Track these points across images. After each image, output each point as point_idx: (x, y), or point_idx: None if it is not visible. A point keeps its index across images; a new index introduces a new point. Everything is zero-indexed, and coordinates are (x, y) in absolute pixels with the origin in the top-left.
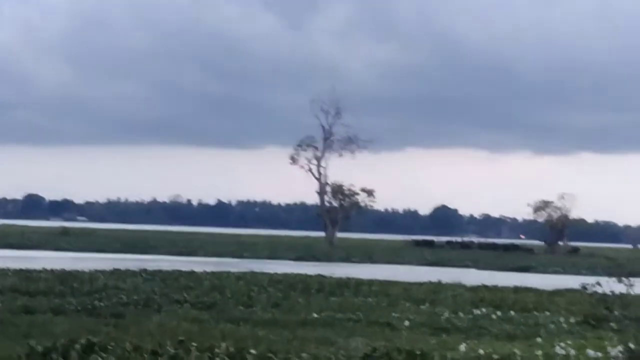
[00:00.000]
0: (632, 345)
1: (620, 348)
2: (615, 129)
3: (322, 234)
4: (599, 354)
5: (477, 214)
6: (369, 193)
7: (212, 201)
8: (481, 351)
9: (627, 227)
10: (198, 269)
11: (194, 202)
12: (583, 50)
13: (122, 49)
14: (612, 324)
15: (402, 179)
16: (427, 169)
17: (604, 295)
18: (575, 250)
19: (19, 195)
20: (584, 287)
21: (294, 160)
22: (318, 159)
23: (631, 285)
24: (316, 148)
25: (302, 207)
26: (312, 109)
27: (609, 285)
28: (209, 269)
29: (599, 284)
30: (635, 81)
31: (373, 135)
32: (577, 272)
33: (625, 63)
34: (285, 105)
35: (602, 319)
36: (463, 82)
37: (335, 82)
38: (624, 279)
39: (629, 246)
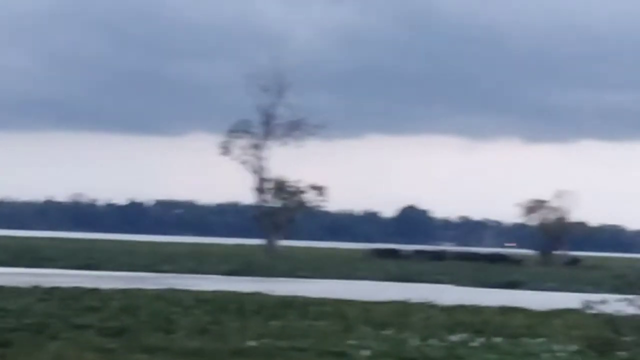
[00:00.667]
0: None
1: None
2: (623, 111)
3: (261, 241)
4: None
5: (453, 216)
6: (320, 191)
7: (122, 201)
8: None
9: (638, 233)
10: (105, 285)
11: (100, 202)
12: (583, 13)
13: (8, 12)
14: (622, 353)
15: (361, 174)
16: (392, 160)
17: (612, 316)
18: (576, 261)
19: None
20: (587, 306)
21: (225, 150)
22: (256, 149)
23: None
24: (253, 135)
25: (235, 209)
26: (248, 86)
27: (618, 304)
28: (118, 285)
29: (605, 302)
30: None
31: (325, 119)
32: (578, 289)
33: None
34: (214, 81)
35: (609, 345)
36: (436, 53)
37: (278, 53)
38: (636, 297)
39: None
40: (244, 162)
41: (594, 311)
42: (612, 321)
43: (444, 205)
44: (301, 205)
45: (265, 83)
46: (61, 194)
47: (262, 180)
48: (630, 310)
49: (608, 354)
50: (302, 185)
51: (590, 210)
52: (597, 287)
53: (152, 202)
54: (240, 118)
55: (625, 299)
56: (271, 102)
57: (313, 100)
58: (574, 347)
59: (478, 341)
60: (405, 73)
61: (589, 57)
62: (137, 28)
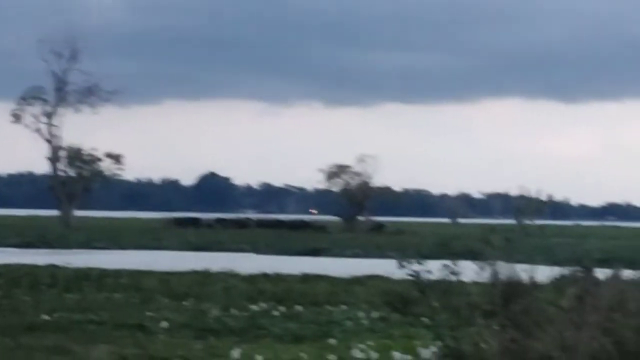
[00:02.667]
0: (448, 344)
1: (433, 348)
2: (424, 73)
3: (55, 212)
4: (408, 357)
5: (255, 183)
6: (116, 159)
7: None
8: (259, 357)
9: (444, 197)
10: None
11: None
12: None
13: None
14: (425, 319)
15: (159, 141)
16: (191, 127)
17: (416, 279)
18: (380, 227)
19: None
20: (401, 265)
21: (16, 117)
22: (49, 116)
23: (457, 271)
24: (46, 101)
25: (28, 179)
26: (39, 50)
27: (425, 269)
28: None
29: (418, 262)
30: (450, 14)
31: (120, 85)
32: (382, 255)
33: None
34: (3, 46)
35: (411, 307)
36: (234, 17)
37: (70, 15)
38: (447, 262)
39: (447, 220)
40: (36, 130)
41: (398, 276)
42: (417, 284)
43: (245, 172)
44: (97, 174)
45: (57, 48)
46: None
47: (56, 148)
48: (435, 275)
49: (410, 320)
50: (97, 153)
51: (394, 175)
52: (402, 253)
53: None
54: (32, 84)
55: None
56: (64, 67)
57: (108, 65)
58: (376, 315)
59: (280, 310)
60: (203, 38)
61: (389, 19)
62: None
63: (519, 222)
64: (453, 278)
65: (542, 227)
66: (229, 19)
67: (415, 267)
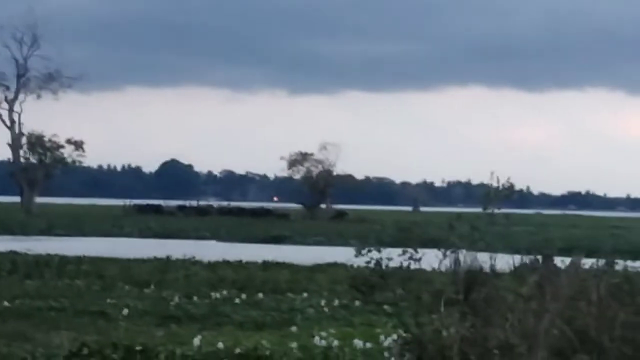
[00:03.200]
0: (410, 331)
1: (395, 336)
2: (388, 61)
3: (16, 199)
4: (369, 345)
5: (217, 170)
6: (78, 145)
7: None
8: (220, 344)
9: (406, 185)
10: None
11: None
12: None
13: None
14: (386, 307)
15: (121, 127)
16: (153, 114)
17: (378, 266)
18: (342, 214)
19: None
20: (359, 252)
21: None
22: (10, 102)
23: (417, 257)
24: (7, 88)
25: None
26: (0, 36)
27: (387, 257)
28: None
29: (377, 249)
30: (414, 2)
31: (82, 71)
32: (344, 243)
33: None
34: None
35: (374, 292)
36: (196, 3)
37: (31, 1)
38: (409, 249)
39: (409, 208)
40: None
41: (364, 259)
42: (378, 271)
43: (207, 159)
44: (59, 160)
45: (18, 34)
46: None
47: (17, 135)
48: (395, 262)
49: (372, 308)
50: (59, 140)
51: (357, 163)
52: (362, 241)
53: None
54: None
55: (389, 252)
56: (25, 53)
57: (69, 51)
58: (337, 302)
59: (241, 298)
60: (166, 24)
61: (353, 7)
62: None
63: (483, 209)
64: (413, 265)
65: (505, 216)
66: (192, 5)
67: (375, 254)
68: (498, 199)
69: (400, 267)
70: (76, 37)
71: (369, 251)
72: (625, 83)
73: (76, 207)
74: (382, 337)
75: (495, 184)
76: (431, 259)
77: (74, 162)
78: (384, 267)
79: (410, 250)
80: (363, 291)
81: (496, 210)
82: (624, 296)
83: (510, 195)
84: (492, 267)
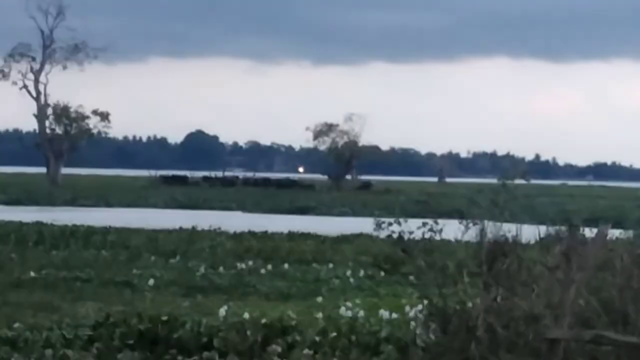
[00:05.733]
0: (435, 302)
1: (420, 306)
2: (411, 32)
3: (42, 170)
4: (395, 315)
5: (242, 141)
6: (103, 116)
7: None
8: (247, 315)
9: (431, 156)
10: None
11: None
12: None
13: None
14: (411, 278)
15: (146, 98)
16: (178, 85)
17: (401, 238)
18: (367, 185)
19: None
20: (379, 226)
21: (3, 74)
22: (36, 73)
23: (437, 229)
24: (33, 59)
25: (15, 136)
26: (26, 7)
27: (410, 228)
28: None
29: (397, 222)
30: None
31: (107, 42)
32: (370, 213)
33: None
34: None
35: (398, 267)
36: None
37: None
38: (429, 221)
39: (434, 179)
40: (23, 87)
41: (385, 233)
42: (402, 242)
43: (232, 130)
44: (84, 132)
45: (44, 5)
46: None
47: (43, 106)
48: (419, 233)
49: (397, 278)
50: (84, 111)
51: (382, 134)
52: (388, 212)
53: None
54: (19, 42)
55: (414, 223)
56: (51, 24)
57: (94, 23)
58: (363, 273)
59: (267, 268)
60: None
61: None
62: None
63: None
64: (434, 236)
65: (526, 186)
66: None
67: (395, 227)
68: (518, 173)
69: (423, 238)
70: (101, 8)
71: (390, 224)
72: None
73: (102, 178)
74: (407, 308)
75: (516, 157)
76: (455, 230)
77: (99, 133)
78: (408, 239)
79: (430, 222)
80: (385, 269)
81: (517, 182)
82: None
83: (524, 175)
84: (516, 237)
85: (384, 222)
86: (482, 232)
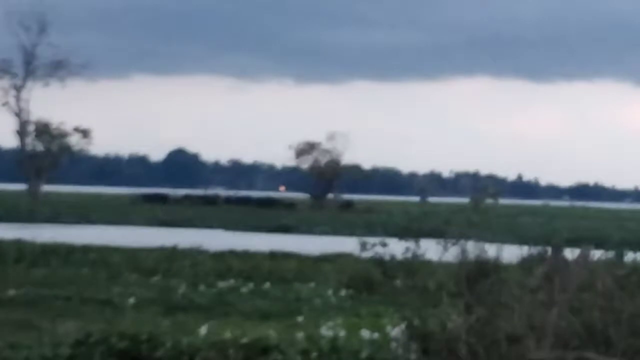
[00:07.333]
0: (416, 323)
1: (402, 326)
2: (395, 51)
3: (23, 186)
4: (376, 335)
5: (224, 159)
6: (85, 134)
7: None
8: (227, 334)
9: (413, 175)
10: None
11: None
12: None
13: None
14: (395, 297)
15: (128, 116)
16: (160, 102)
17: (384, 259)
18: (349, 204)
19: None
20: (363, 246)
21: None
22: (17, 90)
23: (417, 250)
24: (15, 75)
25: None
26: (8, 23)
27: (393, 248)
28: None
29: (381, 244)
30: None
31: (89, 58)
32: (351, 233)
33: None
34: None
35: (379, 288)
36: None
37: None
38: (410, 241)
39: (416, 198)
40: (4, 104)
41: (367, 254)
42: (384, 264)
43: (214, 148)
44: (65, 148)
45: (26, 21)
46: None
47: (24, 122)
48: (400, 254)
49: (379, 299)
50: (66, 127)
51: (364, 152)
52: (370, 231)
53: None
54: (1, 58)
55: (397, 242)
56: (33, 40)
57: (77, 38)
58: (345, 293)
59: (248, 287)
60: (173, 12)
61: None
62: None
63: (483, 201)
64: (417, 258)
65: (506, 207)
66: None
67: (379, 248)
68: (496, 192)
69: (405, 259)
70: (84, 25)
71: (374, 245)
72: (633, 74)
73: (83, 196)
74: (388, 328)
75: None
76: (437, 250)
77: (80, 150)
78: (388, 259)
79: (412, 245)
80: (367, 289)
81: (497, 202)
82: (631, 288)
83: (494, 195)
84: (496, 258)
85: (368, 243)
86: (463, 252)
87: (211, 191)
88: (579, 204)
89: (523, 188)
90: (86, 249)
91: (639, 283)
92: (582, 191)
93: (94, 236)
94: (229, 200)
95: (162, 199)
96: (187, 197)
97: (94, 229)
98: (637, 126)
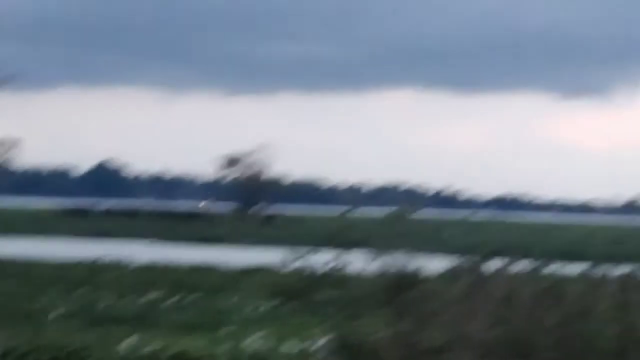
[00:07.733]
0: (340, 334)
1: (328, 337)
2: (323, 63)
3: None
4: (301, 347)
5: (150, 172)
6: (9, 145)
7: None
8: (151, 347)
9: (339, 187)
10: None
11: None
12: None
13: None
14: (318, 309)
15: (53, 127)
16: (87, 114)
17: (308, 271)
18: (273, 217)
19: None
20: (288, 259)
21: None
22: None
23: (341, 262)
24: None
25: None
26: None
27: (317, 260)
28: None
29: (305, 255)
30: (347, 5)
31: (13, 70)
32: (275, 245)
33: None
34: None
35: (304, 300)
36: (133, 2)
37: None
38: (335, 252)
39: (342, 209)
40: None
41: (292, 267)
42: (310, 276)
43: (140, 160)
44: None
45: None
46: None
47: None
48: (323, 264)
49: (304, 310)
50: None
51: (291, 165)
52: (294, 243)
53: None
54: None
55: (320, 254)
56: None
57: (2, 51)
58: (269, 305)
59: (171, 300)
60: (100, 24)
61: (289, 9)
62: None
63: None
64: (341, 269)
65: (429, 219)
66: (127, 5)
67: (303, 260)
68: (418, 204)
69: (329, 270)
70: (9, 36)
71: (299, 257)
72: (556, 86)
73: (6, 209)
74: (313, 340)
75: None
76: (362, 261)
77: (5, 161)
78: (313, 271)
79: (337, 256)
80: (291, 301)
81: (420, 214)
82: (551, 300)
83: (414, 207)
84: (421, 269)
85: (292, 255)
86: (387, 263)
87: (137, 203)
88: (503, 215)
89: (447, 199)
90: (9, 263)
91: (560, 294)
92: (506, 203)
93: (17, 249)
94: (152, 213)
95: (85, 212)
96: (111, 210)
97: (16, 242)
98: (560, 138)
